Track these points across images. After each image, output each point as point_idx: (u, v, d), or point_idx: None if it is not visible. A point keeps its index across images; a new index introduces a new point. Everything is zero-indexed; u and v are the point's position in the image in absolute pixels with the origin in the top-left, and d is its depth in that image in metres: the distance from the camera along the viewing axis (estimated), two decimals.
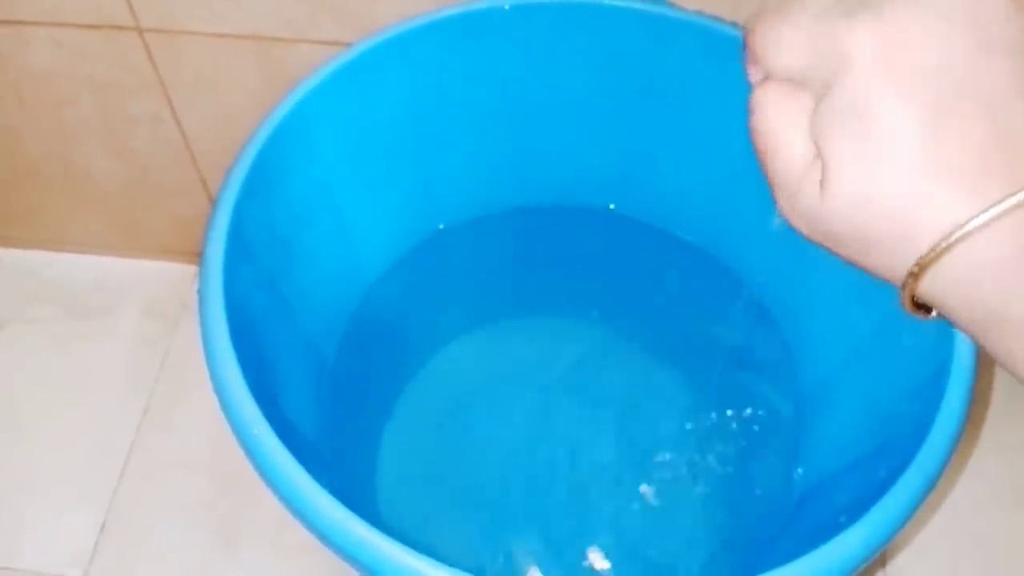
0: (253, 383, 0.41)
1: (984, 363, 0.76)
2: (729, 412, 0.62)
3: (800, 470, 0.57)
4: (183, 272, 0.82)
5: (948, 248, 0.20)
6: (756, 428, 0.61)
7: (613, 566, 0.58)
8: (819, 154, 0.22)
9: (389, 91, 0.55)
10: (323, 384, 0.57)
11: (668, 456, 0.61)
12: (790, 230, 0.30)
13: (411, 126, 0.58)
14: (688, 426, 0.62)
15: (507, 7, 0.54)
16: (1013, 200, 0.19)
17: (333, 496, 0.37)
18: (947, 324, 0.44)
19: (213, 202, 0.47)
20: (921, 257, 0.21)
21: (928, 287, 0.21)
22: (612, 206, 0.66)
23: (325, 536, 0.37)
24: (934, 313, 0.23)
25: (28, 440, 0.73)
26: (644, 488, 0.60)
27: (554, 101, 0.59)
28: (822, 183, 0.22)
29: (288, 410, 0.48)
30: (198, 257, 0.51)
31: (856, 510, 0.38)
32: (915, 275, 0.21)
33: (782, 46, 0.22)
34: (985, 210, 0.20)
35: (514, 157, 0.63)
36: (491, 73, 0.57)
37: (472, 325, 0.66)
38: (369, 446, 0.60)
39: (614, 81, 0.58)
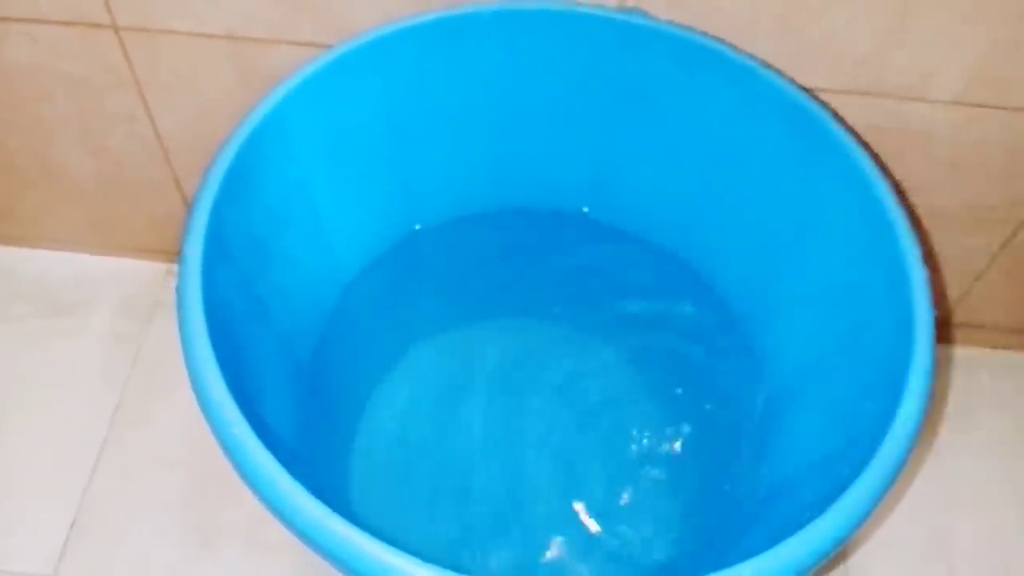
0: (232, 383, 0.41)
1: (942, 363, 0.79)
2: (697, 412, 0.63)
3: (766, 469, 0.59)
4: (156, 270, 0.81)
5: None
6: (724, 428, 0.63)
7: (581, 561, 0.59)
8: None
9: (368, 93, 0.56)
10: (300, 383, 0.58)
11: (638, 455, 0.62)
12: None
13: (389, 128, 0.59)
14: (657, 425, 0.63)
15: (486, 13, 0.55)
16: None
17: (311, 495, 0.37)
18: (907, 326, 0.45)
19: (189, 202, 0.47)
20: None
21: None
22: (585, 209, 0.67)
23: (305, 535, 0.38)
24: None
25: (0, 436, 0.73)
26: (613, 485, 0.61)
27: (530, 106, 0.60)
28: None
29: (264, 409, 0.49)
30: (171, 255, 0.52)
31: (820, 507, 0.40)
32: None
33: None
34: None
35: (490, 160, 0.64)
36: (469, 78, 0.58)
37: (447, 325, 0.66)
38: (344, 445, 0.61)
39: (589, 87, 0.59)
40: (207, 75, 0.65)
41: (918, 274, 0.47)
